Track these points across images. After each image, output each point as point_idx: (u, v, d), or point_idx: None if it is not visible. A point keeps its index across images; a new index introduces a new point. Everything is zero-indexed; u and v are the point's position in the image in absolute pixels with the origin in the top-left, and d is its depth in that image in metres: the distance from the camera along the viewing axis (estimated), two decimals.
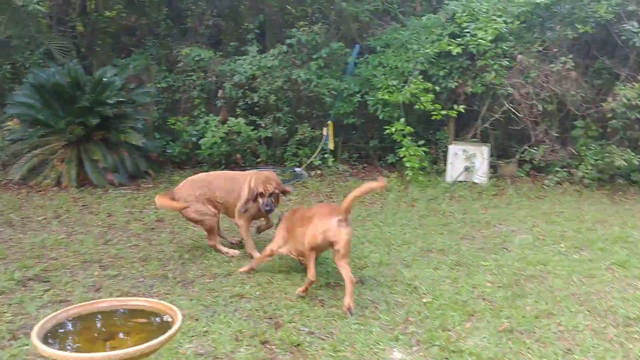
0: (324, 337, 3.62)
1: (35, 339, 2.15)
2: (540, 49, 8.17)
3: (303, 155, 9.37)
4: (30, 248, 5.41)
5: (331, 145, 9.40)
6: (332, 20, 9.94)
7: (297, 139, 9.36)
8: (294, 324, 3.81)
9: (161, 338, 2.11)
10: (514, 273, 4.70)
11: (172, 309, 2.42)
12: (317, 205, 4.75)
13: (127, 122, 8.36)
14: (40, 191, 7.67)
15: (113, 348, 2.30)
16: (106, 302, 2.61)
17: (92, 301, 2.67)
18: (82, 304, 2.62)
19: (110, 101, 7.98)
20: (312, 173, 9.00)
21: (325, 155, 9.31)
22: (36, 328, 2.25)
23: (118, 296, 4.28)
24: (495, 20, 8.12)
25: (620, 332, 3.64)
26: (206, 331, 3.71)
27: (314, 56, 9.17)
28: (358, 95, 9.13)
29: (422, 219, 6.47)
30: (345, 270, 4.07)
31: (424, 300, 4.18)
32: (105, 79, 8.30)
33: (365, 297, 4.23)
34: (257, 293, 4.35)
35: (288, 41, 9.18)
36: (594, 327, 3.71)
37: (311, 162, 9.23)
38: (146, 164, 8.53)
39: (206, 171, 8.97)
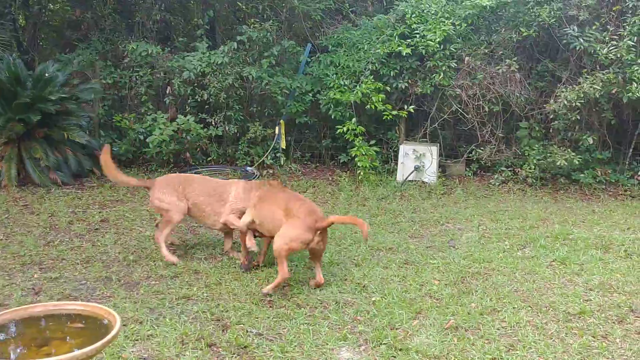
0: (272, 339, 3.58)
1: None
2: (486, 51, 8.38)
3: (255, 155, 9.28)
4: None
5: (283, 144, 9.35)
6: (284, 18, 9.89)
7: (249, 137, 9.25)
8: (241, 325, 3.75)
9: (98, 344, 2.02)
10: (460, 270, 4.80)
11: (111, 314, 2.32)
12: (298, 200, 4.60)
13: (71, 119, 8.05)
14: None
15: (47, 355, 2.19)
16: (41, 307, 2.48)
17: (26, 306, 2.53)
18: (15, 308, 2.48)
19: (52, 97, 7.66)
20: (264, 172, 8.93)
21: (278, 155, 9.25)
22: None
23: (59, 299, 4.12)
24: (443, 22, 8.27)
25: (561, 327, 3.76)
26: (150, 334, 3.61)
27: (265, 54, 9.09)
28: (310, 94, 9.12)
29: (372, 218, 6.52)
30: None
31: (373, 298, 4.20)
32: (47, 75, 7.97)
33: (314, 297, 4.22)
34: (205, 295, 4.27)
35: (239, 38, 9.06)
36: (535, 323, 3.81)
37: (263, 161, 9.16)
38: (91, 163, 8.23)
39: (154, 170, 8.86)
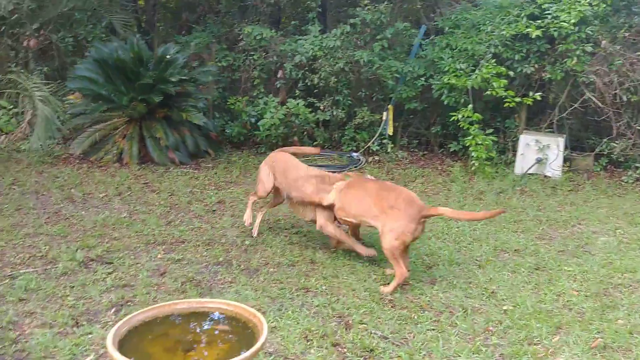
0: (399, 344, 3.38)
1: (111, 349, 1.99)
2: (626, 34, 7.52)
3: (361, 140, 9.08)
4: (91, 227, 5.38)
5: (390, 131, 9.06)
6: None
7: (356, 122, 9.05)
8: (364, 325, 3.59)
9: (247, 354, 1.91)
10: (600, 281, 4.32)
11: (256, 316, 2.23)
12: (393, 191, 4.43)
13: (189, 101, 8.27)
14: (101, 167, 7.70)
15: None
16: (185, 304, 2.43)
17: (170, 302, 2.51)
18: (160, 305, 2.46)
19: (173, 79, 7.89)
20: (370, 159, 8.71)
21: (384, 141, 8.98)
22: (111, 334, 2.09)
23: (183, 282, 4.19)
24: (579, 1, 7.51)
25: None
26: (274, 327, 3.55)
27: (378, 37, 8.80)
28: (422, 78, 8.72)
29: None
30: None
31: (504, 307, 3.87)
32: (168, 56, 8.21)
33: (438, 300, 3.97)
34: (323, 287, 4.16)
35: (352, 20, 8.83)
36: None
37: (369, 147, 8.94)
38: (206, 144, 8.46)
39: (263, 152, 8.92)
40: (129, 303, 3.85)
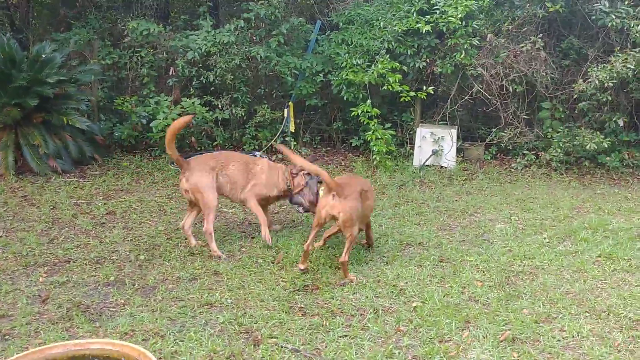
0: (311, 356, 3.22)
1: None
2: (510, 27, 7.91)
3: (262, 139, 8.84)
4: None
5: (292, 128, 8.91)
6: None
7: (256, 121, 8.80)
8: (274, 339, 3.38)
9: None
10: (501, 269, 4.44)
11: (146, 356, 1.94)
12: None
13: (70, 103, 7.58)
14: None
15: None
16: (60, 347, 2.09)
17: (42, 347, 2.14)
18: (28, 352, 2.09)
19: (50, 80, 7.17)
20: (273, 157, 8.51)
21: (287, 138, 8.82)
22: None
23: (68, 308, 3.74)
24: None
25: (626, 337, 3.42)
26: (175, 351, 3.24)
27: (274, 32, 8.59)
28: (320, 74, 8.64)
29: (395, 208, 6.15)
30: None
31: (414, 304, 3.84)
32: (44, 56, 7.46)
33: (349, 303, 3.86)
34: (229, 301, 3.89)
35: (245, 15, 8.54)
36: (598, 332, 3.47)
37: (271, 145, 8.73)
38: (92, 149, 7.81)
39: (158, 155, 8.42)
40: (6, 337, 3.37)
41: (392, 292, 4.05)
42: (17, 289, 4.03)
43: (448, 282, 4.21)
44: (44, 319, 3.62)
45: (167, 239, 5.17)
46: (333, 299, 3.93)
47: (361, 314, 3.71)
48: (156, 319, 3.61)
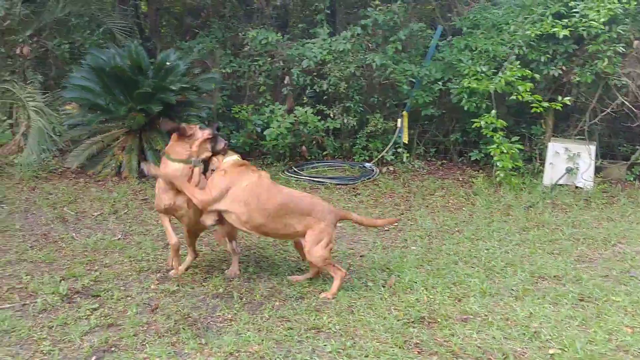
0: None
1: None
2: None
3: (373, 149, 8.54)
4: (81, 251, 4.88)
5: (405, 139, 8.51)
6: None
7: (368, 130, 8.53)
8: None
9: None
10: None
11: None
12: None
13: (191, 110, 7.77)
14: (98, 181, 7.23)
15: None
16: None
17: None
18: None
19: (173, 87, 7.39)
20: (384, 169, 8.17)
21: (399, 150, 8.44)
22: None
23: (176, 321, 3.65)
24: None
25: None
26: None
27: (391, 39, 8.26)
28: (439, 82, 8.16)
29: (523, 233, 5.53)
30: None
31: (550, 351, 3.30)
32: (168, 63, 7.72)
33: (473, 343, 3.39)
34: (337, 327, 3.60)
35: (362, 22, 8.30)
36: None
37: (382, 156, 8.39)
38: None
39: (270, 163, 8.41)
40: (112, 348, 3.33)
41: (524, 334, 3.52)
42: (128, 296, 4.04)
43: (591, 326, 3.60)
44: (152, 330, 3.55)
45: (276, 251, 5.02)
46: (454, 336, 3.49)
47: (488, 358, 3.24)
48: (262, 340, 3.40)
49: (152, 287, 4.20)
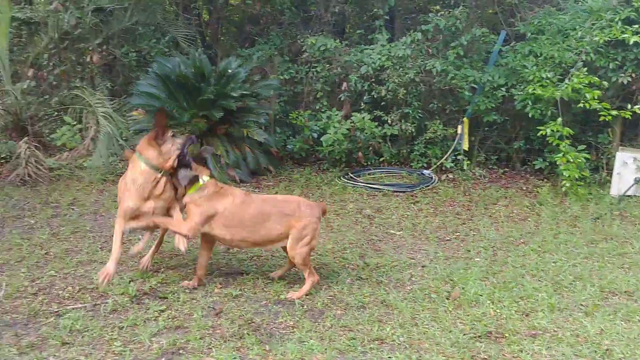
0: None
1: None
2: None
3: (432, 156, 8.42)
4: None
5: (465, 146, 8.34)
6: (474, 3, 8.77)
7: (427, 137, 8.42)
8: None
9: None
10: None
11: None
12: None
13: (250, 116, 7.91)
14: None
15: None
16: None
17: None
18: None
19: (234, 94, 7.55)
20: (443, 177, 8.04)
21: (459, 157, 8.28)
22: None
23: (240, 325, 3.71)
24: None
25: None
26: None
27: (452, 44, 8.14)
28: (502, 89, 7.97)
29: (591, 246, 5.31)
30: None
31: None
32: (230, 70, 7.89)
33: None
34: (401, 339, 3.56)
35: (423, 27, 8.22)
36: None
37: (442, 164, 8.26)
38: (267, 160, 8.07)
39: (326, 169, 8.43)
40: (180, 351, 3.41)
41: (595, 351, 3.39)
42: (193, 299, 4.13)
43: None
44: (217, 334, 3.62)
45: (335, 258, 5.02)
46: (522, 352, 3.39)
47: None
48: (325, 349, 3.41)
49: (216, 290, 4.29)
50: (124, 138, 8.06)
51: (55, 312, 3.85)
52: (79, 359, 3.28)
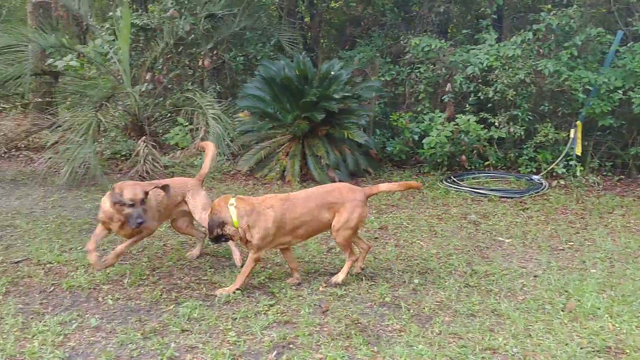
0: None
1: None
2: None
3: (542, 161, 8.04)
4: None
5: (578, 150, 7.87)
6: (587, 2, 8.24)
7: (537, 141, 8.04)
8: None
9: None
10: None
11: None
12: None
13: (351, 118, 7.97)
14: (265, 184, 7.71)
15: None
16: None
17: None
18: None
19: (336, 96, 7.65)
20: (554, 183, 7.62)
21: (571, 162, 7.83)
22: None
23: (347, 325, 3.73)
24: None
25: None
26: None
27: (565, 44, 7.71)
28: (619, 91, 7.44)
29: None
30: None
31: None
32: (332, 73, 8.00)
33: None
34: (514, 350, 3.42)
35: (535, 26, 7.86)
36: None
37: (552, 169, 7.85)
38: (366, 162, 8.09)
39: (427, 172, 8.30)
40: (290, 345, 3.50)
41: None
42: (300, 296, 4.21)
43: None
44: (324, 331, 3.67)
45: (440, 264, 4.92)
46: None
47: None
48: (435, 356, 3.35)
49: (321, 289, 4.35)
50: (230, 138, 8.44)
51: (174, 300, 4.09)
52: (198, 346, 3.46)
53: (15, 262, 4.69)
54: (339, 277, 4.43)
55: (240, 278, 4.25)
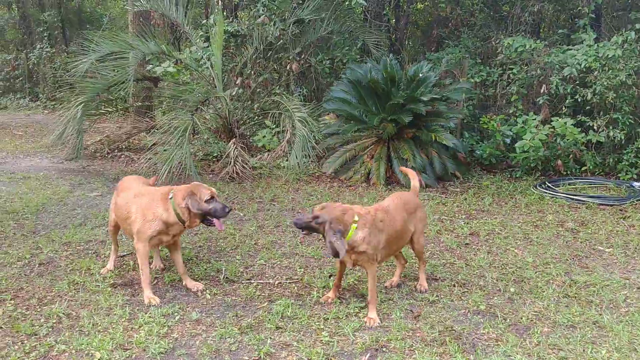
0: None
1: None
2: None
3: None
4: None
5: None
6: None
7: (638, 146, 7.54)
8: None
9: None
10: None
11: None
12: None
13: (439, 121, 7.83)
14: (350, 186, 7.74)
15: None
16: None
17: None
18: None
19: (424, 98, 7.55)
20: None
21: None
22: None
23: (440, 331, 3.67)
24: None
25: None
26: None
27: None
28: None
29: None
30: None
31: None
32: (420, 75, 7.90)
33: None
34: None
35: (638, 26, 7.37)
36: None
37: None
38: (454, 166, 7.91)
39: (519, 177, 7.99)
40: (383, 348, 3.49)
41: None
42: (390, 300, 4.19)
43: None
44: (417, 337, 3.63)
45: (537, 272, 4.72)
46: None
47: None
48: None
49: (412, 294, 4.31)
50: (315, 141, 8.56)
51: (268, 297, 4.20)
52: (292, 343, 3.53)
53: (121, 256, 5.00)
54: (423, 283, 4.37)
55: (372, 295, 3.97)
